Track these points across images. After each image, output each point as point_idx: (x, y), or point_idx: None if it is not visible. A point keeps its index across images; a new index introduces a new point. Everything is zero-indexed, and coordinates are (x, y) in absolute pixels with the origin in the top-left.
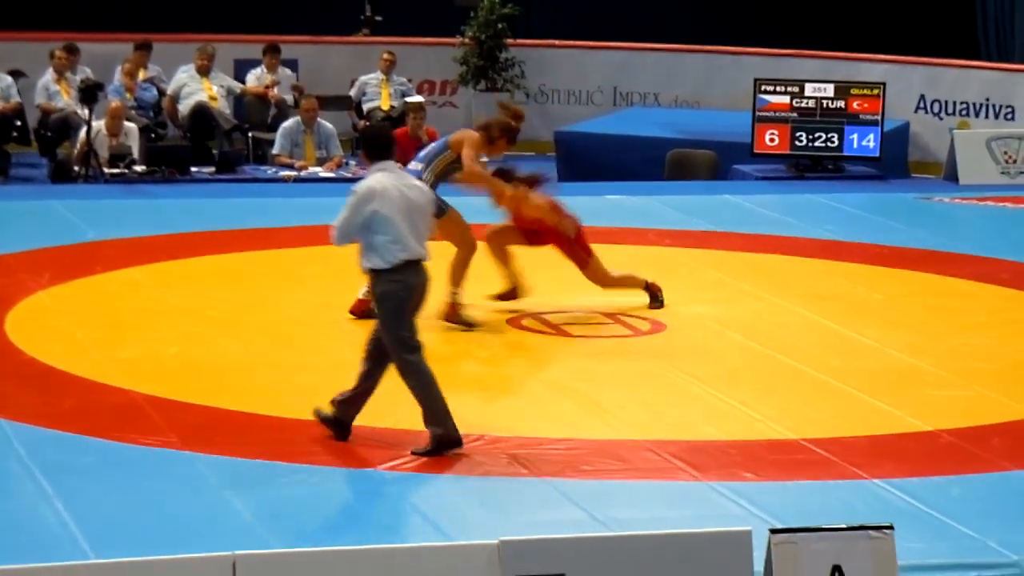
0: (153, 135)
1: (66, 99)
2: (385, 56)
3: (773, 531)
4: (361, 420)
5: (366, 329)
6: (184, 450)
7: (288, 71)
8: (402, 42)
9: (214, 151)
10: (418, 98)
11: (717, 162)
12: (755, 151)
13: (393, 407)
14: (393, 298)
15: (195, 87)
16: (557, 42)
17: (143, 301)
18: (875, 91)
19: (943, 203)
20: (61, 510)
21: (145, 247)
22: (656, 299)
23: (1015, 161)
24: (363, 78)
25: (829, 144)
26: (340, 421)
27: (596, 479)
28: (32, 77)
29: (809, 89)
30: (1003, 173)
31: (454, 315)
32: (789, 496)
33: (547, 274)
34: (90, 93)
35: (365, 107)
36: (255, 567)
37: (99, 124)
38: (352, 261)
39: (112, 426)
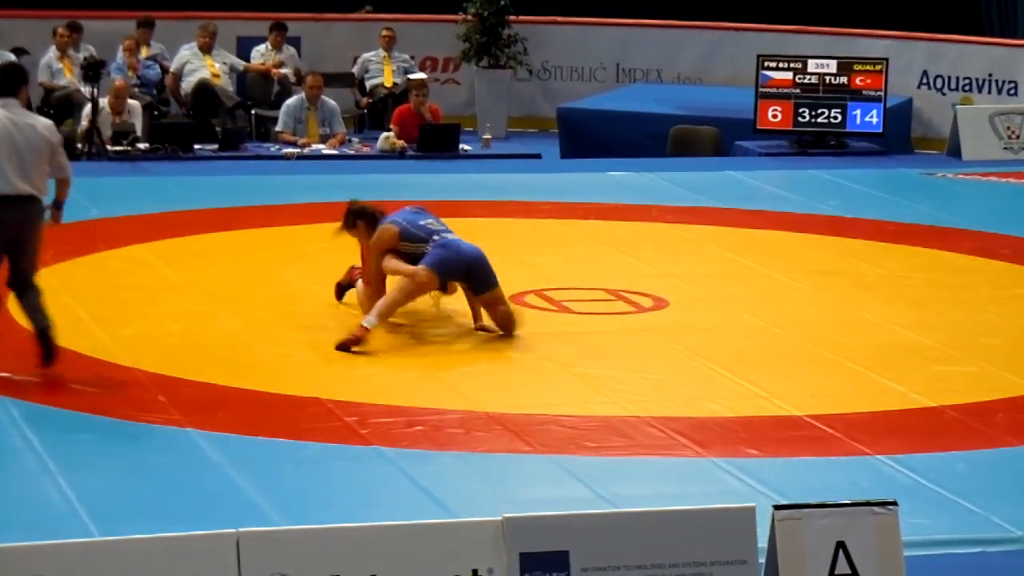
0: (156, 112)
1: (69, 77)
2: (384, 32)
3: (777, 507)
4: (366, 397)
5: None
6: (187, 427)
7: (291, 49)
8: (404, 19)
9: (217, 128)
10: (421, 75)
11: (720, 138)
12: (758, 127)
13: (394, 385)
14: None
15: (198, 64)
16: (560, 19)
17: (146, 278)
18: (878, 67)
19: (946, 179)
20: (64, 487)
21: (148, 224)
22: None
23: (1018, 136)
24: (365, 55)
25: (832, 120)
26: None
27: (600, 456)
28: (35, 55)
29: (812, 65)
30: (1006, 148)
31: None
32: (793, 472)
33: (550, 251)
34: (93, 71)
35: (368, 84)
36: (259, 544)
37: (103, 102)
38: (353, 239)
39: (115, 403)
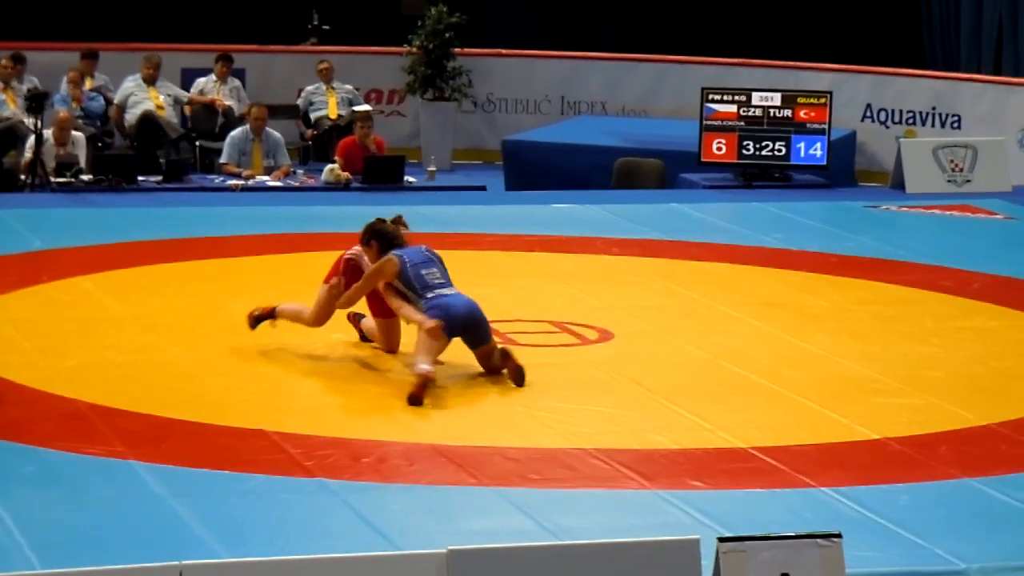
0: (100, 144)
1: (12, 108)
2: (321, 65)
3: (721, 539)
4: (310, 429)
5: (316, 338)
6: (130, 459)
7: (236, 82)
8: (349, 51)
9: (161, 160)
10: (366, 107)
11: (664, 171)
12: (702, 160)
13: (339, 417)
14: None
15: (142, 96)
16: (504, 51)
17: (90, 310)
18: (822, 100)
19: (890, 211)
20: (6, 519)
21: (92, 256)
22: None
23: (961, 170)
24: (308, 88)
25: (776, 153)
26: None
27: (544, 488)
28: None
29: (756, 98)
30: (949, 181)
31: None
32: (738, 504)
33: (495, 283)
34: (37, 102)
35: (313, 116)
36: None
37: (47, 133)
38: (302, 269)
39: (57, 435)
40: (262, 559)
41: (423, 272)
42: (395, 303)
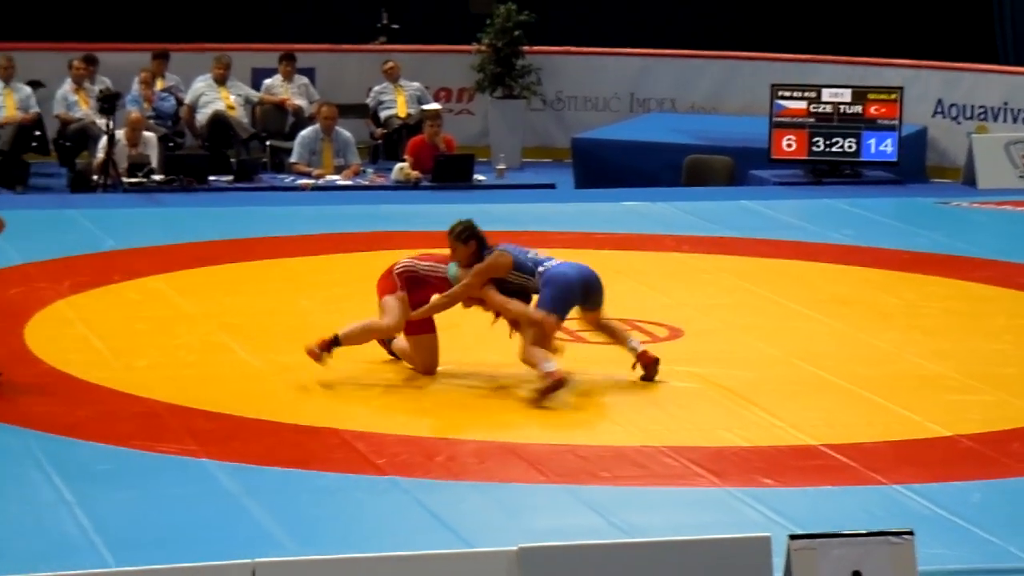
0: (171, 144)
1: (85, 109)
2: (388, 65)
3: (792, 537)
4: (381, 428)
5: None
6: (202, 457)
7: (304, 79)
8: (418, 49)
9: (232, 160)
10: (435, 105)
11: (734, 168)
12: (772, 156)
13: (410, 415)
14: None
15: (212, 96)
16: (574, 48)
17: (161, 309)
18: (892, 96)
19: (961, 207)
20: (81, 517)
21: (164, 256)
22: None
23: None
24: (377, 87)
25: (847, 149)
26: None
27: (615, 485)
28: (51, 87)
29: (826, 94)
30: (1021, 177)
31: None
32: (809, 502)
33: None
34: (109, 103)
35: (382, 115)
36: (275, 574)
37: (118, 134)
38: (373, 269)
39: (131, 434)
40: (334, 556)
41: (528, 254)
42: (498, 299)
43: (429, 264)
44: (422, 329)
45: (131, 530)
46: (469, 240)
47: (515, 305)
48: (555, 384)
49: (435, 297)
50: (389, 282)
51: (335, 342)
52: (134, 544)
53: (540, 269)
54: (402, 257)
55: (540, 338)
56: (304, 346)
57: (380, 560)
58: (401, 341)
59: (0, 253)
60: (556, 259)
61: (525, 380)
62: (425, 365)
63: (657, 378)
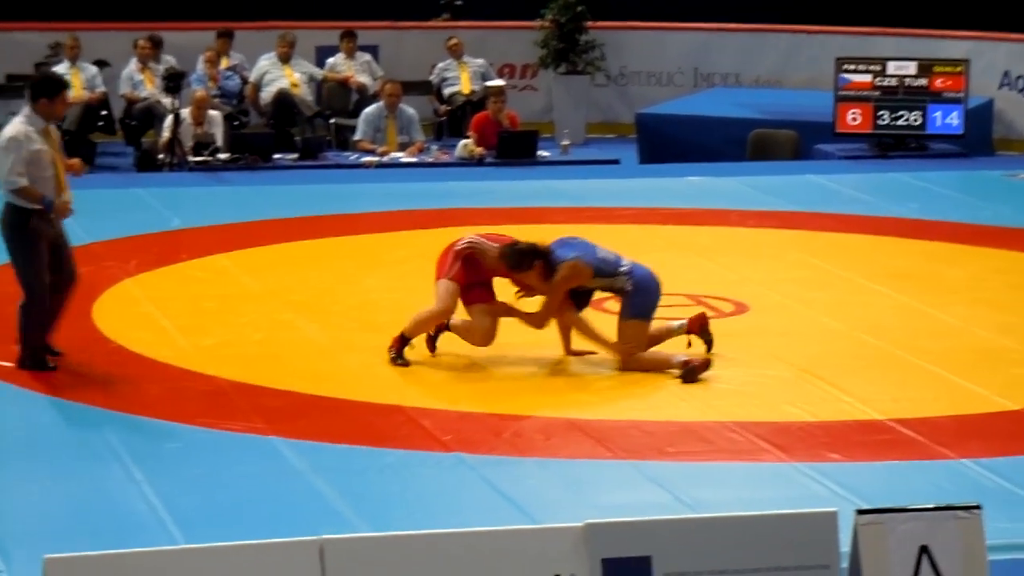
0: (236, 123)
1: (150, 88)
2: (451, 42)
3: (859, 512)
4: (446, 405)
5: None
6: (269, 435)
7: (366, 56)
8: (482, 26)
9: (296, 138)
10: (498, 82)
11: (799, 142)
12: (837, 130)
13: (475, 392)
14: None
15: (277, 74)
16: (637, 23)
17: (227, 287)
18: (958, 68)
19: None
20: (150, 495)
21: (229, 234)
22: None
23: None
24: (440, 64)
25: (912, 122)
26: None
27: (681, 460)
28: (116, 67)
29: (891, 67)
30: None
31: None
32: (876, 477)
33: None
34: (174, 82)
35: (446, 92)
36: (342, 551)
37: (184, 113)
38: (437, 246)
39: (198, 412)
40: (401, 533)
41: (599, 253)
42: (574, 320)
43: (497, 246)
44: (483, 298)
45: (199, 508)
46: (533, 263)
47: (599, 336)
48: (702, 364)
49: (427, 311)
50: (445, 261)
51: (404, 341)
52: (202, 521)
53: (623, 269)
54: (466, 234)
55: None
56: (387, 358)
57: (446, 537)
58: (457, 319)
59: (68, 232)
60: (625, 258)
61: (590, 358)
62: (484, 334)
63: (721, 354)
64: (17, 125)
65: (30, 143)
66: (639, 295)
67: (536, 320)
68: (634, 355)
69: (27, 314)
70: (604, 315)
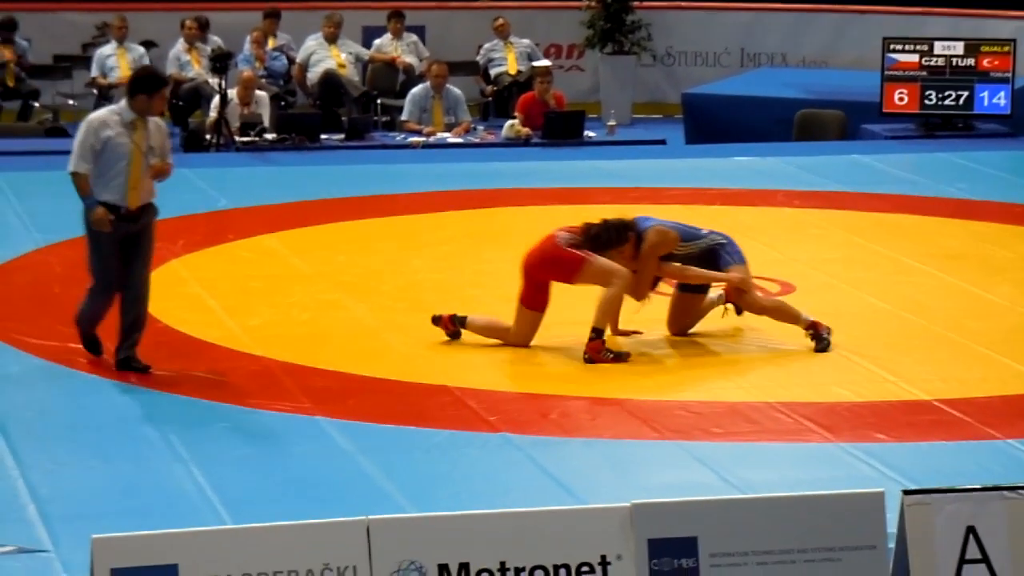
0: (283, 103)
1: (197, 69)
2: (498, 23)
3: (906, 492)
4: (493, 385)
5: (495, 295)
6: (317, 415)
7: (413, 37)
8: (528, 6)
9: (343, 118)
10: (545, 62)
11: (846, 122)
12: (884, 110)
13: (521, 372)
14: None
15: (324, 55)
16: (683, 3)
17: (275, 268)
18: (1005, 48)
19: None
20: (198, 476)
21: (276, 214)
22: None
23: None
24: (487, 44)
25: (959, 102)
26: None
27: (727, 441)
28: (163, 48)
29: (938, 47)
30: None
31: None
32: (922, 457)
33: None
34: (220, 63)
35: (492, 72)
36: (389, 531)
37: (231, 93)
38: (484, 226)
39: (246, 392)
40: (448, 513)
41: (680, 223)
42: (675, 270)
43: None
44: (537, 306)
45: (247, 488)
46: (625, 236)
47: (699, 272)
48: (827, 327)
49: (610, 291)
50: (559, 256)
51: (460, 321)
52: (250, 501)
53: (704, 232)
54: (558, 231)
55: (748, 292)
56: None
57: (493, 517)
58: (478, 320)
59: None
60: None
61: (636, 338)
62: (522, 337)
63: (768, 334)
64: (103, 111)
65: (104, 129)
66: (731, 244)
67: (636, 293)
68: (761, 299)
69: (86, 299)
70: (654, 295)
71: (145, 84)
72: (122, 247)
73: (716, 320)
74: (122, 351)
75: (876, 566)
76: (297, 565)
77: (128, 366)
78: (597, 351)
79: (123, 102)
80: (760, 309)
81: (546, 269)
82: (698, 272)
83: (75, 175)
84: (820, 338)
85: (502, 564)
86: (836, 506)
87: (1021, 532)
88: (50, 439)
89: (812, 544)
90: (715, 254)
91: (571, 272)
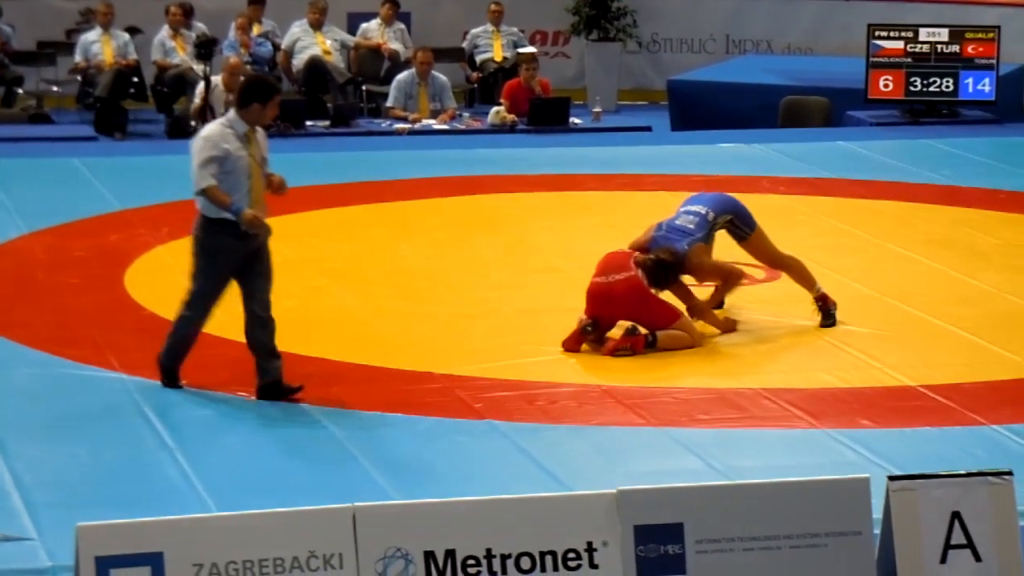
0: None
1: (182, 55)
2: (493, 7)
3: (891, 478)
4: (479, 372)
5: (484, 282)
6: (303, 402)
7: (400, 24)
8: None
9: (329, 105)
10: (531, 49)
11: (831, 109)
12: (869, 97)
13: (508, 359)
14: None
15: (309, 41)
16: None
17: None
18: (990, 35)
19: None
20: (182, 462)
21: None
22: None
23: None
24: (474, 30)
25: (944, 89)
26: None
27: (713, 428)
28: (148, 34)
29: (923, 34)
30: None
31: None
32: (907, 443)
33: None
34: (205, 49)
35: (478, 59)
36: (375, 518)
37: (215, 79)
38: (469, 213)
39: (231, 379)
40: (434, 500)
41: (681, 223)
42: (715, 266)
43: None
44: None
45: (232, 475)
46: (672, 281)
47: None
48: (834, 304)
49: (683, 338)
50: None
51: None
52: (235, 489)
53: (710, 217)
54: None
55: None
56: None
57: (479, 504)
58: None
59: (100, 200)
60: (692, 205)
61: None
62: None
63: (754, 320)
64: (215, 125)
65: (224, 143)
66: (740, 211)
67: (736, 275)
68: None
69: (177, 327)
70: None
71: (260, 92)
72: (240, 268)
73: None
74: (268, 376)
75: (861, 551)
76: (283, 552)
77: (280, 393)
78: (623, 347)
79: (231, 113)
80: (785, 266)
81: (631, 310)
82: (720, 266)
83: (206, 191)
84: (828, 313)
85: (488, 551)
86: (822, 492)
87: (1005, 517)
88: (34, 427)
89: (798, 530)
90: (736, 223)
91: (654, 320)
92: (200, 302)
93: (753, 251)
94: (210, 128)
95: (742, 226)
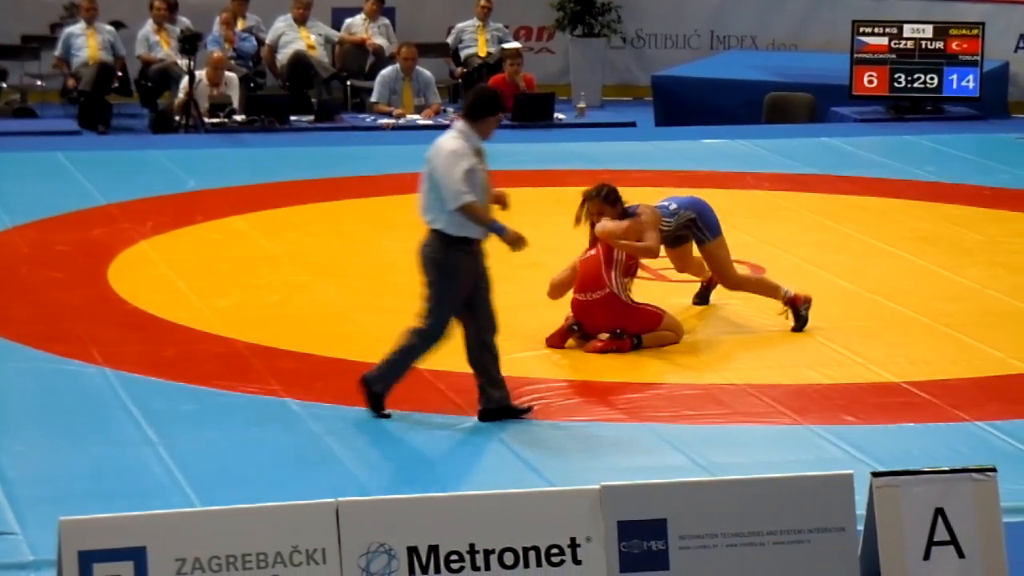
0: (252, 84)
1: (166, 50)
2: (482, 2)
3: (875, 474)
4: (462, 367)
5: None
6: (285, 397)
7: (385, 20)
8: None
9: (313, 100)
10: (515, 44)
11: (815, 105)
12: (853, 93)
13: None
14: None
15: (293, 36)
16: None
17: (244, 250)
18: (974, 31)
19: None
20: (165, 457)
21: (245, 196)
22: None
23: None
24: (460, 25)
25: (928, 85)
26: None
27: (697, 424)
28: (132, 28)
29: (908, 30)
30: None
31: None
32: (891, 439)
33: None
34: (190, 44)
35: (462, 54)
36: (358, 513)
37: (200, 74)
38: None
39: (214, 374)
40: (417, 496)
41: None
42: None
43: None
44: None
45: (215, 470)
46: (617, 201)
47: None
48: (806, 301)
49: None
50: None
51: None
52: (218, 483)
53: (672, 208)
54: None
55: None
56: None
57: (462, 499)
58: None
59: (83, 194)
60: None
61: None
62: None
63: (738, 316)
64: (456, 140)
65: (470, 156)
66: (705, 214)
67: (649, 253)
68: (737, 276)
69: (404, 349)
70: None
71: (495, 105)
72: (473, 291)
73: (679, 301)
74: (492, 403)
75: (845, 548)
76: (266, 547)
77: (516, 413)
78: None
79: (463, 126)
80: (736, 285)
81: (614, 321)
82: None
83: (468, 207)
84: (798, 316)
85: (471, 546)
86: (805, 488)
87: (988, 514)
88: (17, 421)
89: (781, 526)
90: (689, 230)
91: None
92: (441, 329)
93: (708, 259)
94: (452, 142)
95: (704, 229)
